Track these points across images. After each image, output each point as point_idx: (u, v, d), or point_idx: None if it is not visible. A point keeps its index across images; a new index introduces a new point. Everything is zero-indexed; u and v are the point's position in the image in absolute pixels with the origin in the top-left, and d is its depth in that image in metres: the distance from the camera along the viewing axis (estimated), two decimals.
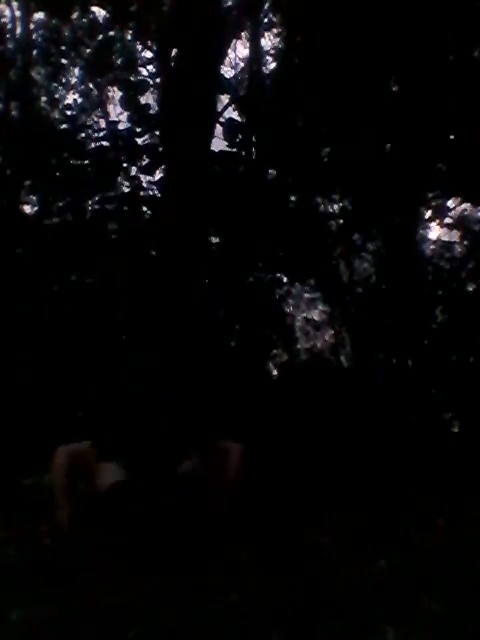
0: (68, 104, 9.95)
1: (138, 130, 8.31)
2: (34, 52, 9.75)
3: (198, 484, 2.56)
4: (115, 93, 10.13)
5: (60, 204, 8.34)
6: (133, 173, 8.43)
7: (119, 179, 8.49)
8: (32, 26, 9.65)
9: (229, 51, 9.37)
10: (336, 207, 8.65)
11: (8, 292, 7.24)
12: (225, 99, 9.09)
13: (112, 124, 8.97)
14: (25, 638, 1.72)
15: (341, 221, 8.52)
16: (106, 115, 10.36)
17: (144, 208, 8.15)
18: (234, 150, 8.01)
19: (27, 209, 9.07)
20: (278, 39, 9.34)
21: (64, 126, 9.12)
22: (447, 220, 9.34)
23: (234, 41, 9.40)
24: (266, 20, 9.24)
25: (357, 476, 4.04)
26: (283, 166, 7.82)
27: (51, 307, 7.30)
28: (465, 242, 8.90)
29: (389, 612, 1.85)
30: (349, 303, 8.57)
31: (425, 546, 2.68)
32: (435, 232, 9.62)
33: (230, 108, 8.97)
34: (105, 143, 8.53)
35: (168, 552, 2.29)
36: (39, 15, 9.70)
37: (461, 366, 7.63)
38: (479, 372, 7.44)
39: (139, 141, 8.33)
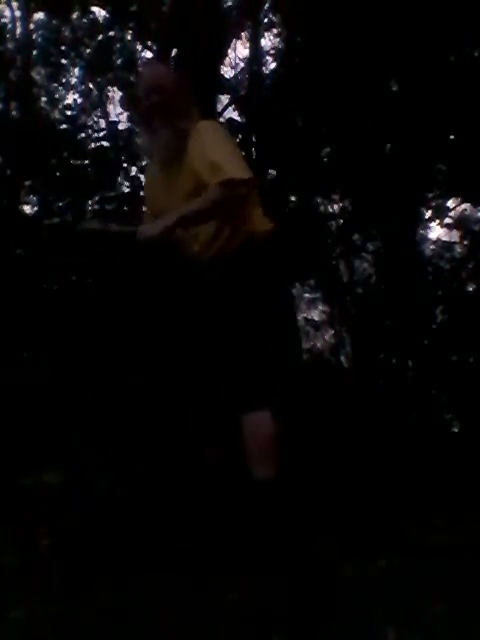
0: (68, 104, 9.97)
1: (138, 130, 8.30)
2: (34, 52, 9.76)
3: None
4: (115, 93, 10.15)
5: (60, 204, 8.32)
6: (133, 173, 8.43)
7: (119, 179, 8.48)
8: (32, 26, 9.67)
9: (229, 51, 9.39)
10: (336, 207, 8.65)
11: (8, 292, 7.24)
12: (225, 99, 9.11)
13: (112, 124, 8.97)
14: (25, 638, 1.72)
15: (341, 221, 8.52)
16: (106, 115, 10.37)
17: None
18: None
19: (27, 209, 9.08)
20: (278, 39, 9.34)
21: (64, 126, 9.11)
22: (447, 220, 9.35)
23: (234, 41, 9.41)
24: (266, 20, 9.25)
25: (357, 476, 4.03)
26: (283, 166, 7.81)
27: (51, 307, 7.28)
28: (465, 242, 8.91)
29: (389, 612, 1.86)
30: (349, 303, 8.57)
31: (425, 546, 2.68)
32: (435, 232, 9.65)
33: (230, 108, 8.98)
34: (105, 143, 8.51)
35: (168, 551, 2.29)
36: (39, 15, 9.72)
37: (461, 366, 7.62)
38: (479, 372, 7.43)
39: (139, 141, 8.33)
